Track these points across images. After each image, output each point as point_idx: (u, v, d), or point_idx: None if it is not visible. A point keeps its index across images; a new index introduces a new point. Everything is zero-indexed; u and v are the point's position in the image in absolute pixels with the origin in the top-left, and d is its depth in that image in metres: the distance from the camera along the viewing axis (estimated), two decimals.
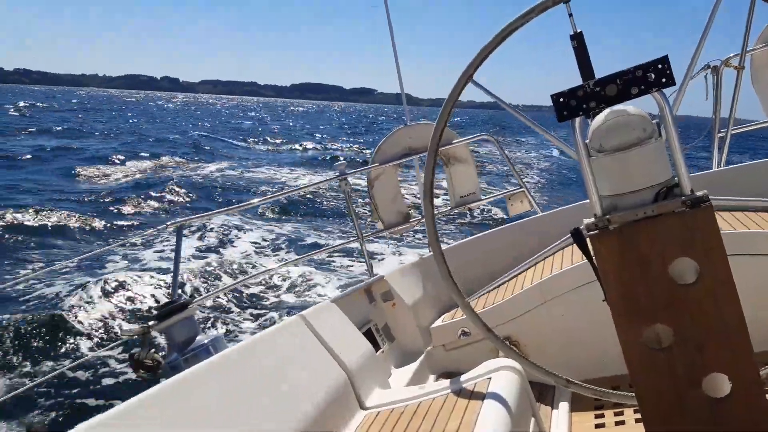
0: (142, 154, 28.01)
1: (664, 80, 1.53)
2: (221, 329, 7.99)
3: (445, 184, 4.10)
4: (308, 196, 18.11)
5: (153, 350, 2.63)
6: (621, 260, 1.57)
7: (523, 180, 4.05)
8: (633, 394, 1.72)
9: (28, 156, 26.18)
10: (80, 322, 8.60)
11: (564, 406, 2.59)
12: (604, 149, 1.63)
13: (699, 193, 1.54)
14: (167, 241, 12.19)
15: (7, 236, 13.16)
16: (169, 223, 3.32)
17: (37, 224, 14.45)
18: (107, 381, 6.74)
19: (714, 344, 1.55)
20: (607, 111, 1.63)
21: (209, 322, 8.23)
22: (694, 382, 1.58)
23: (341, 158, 4.06)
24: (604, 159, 1.63)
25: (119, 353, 7.06)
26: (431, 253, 3.62)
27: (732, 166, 3.60)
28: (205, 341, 2.60)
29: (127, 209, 17.40)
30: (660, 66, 1.53)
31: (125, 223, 15.81)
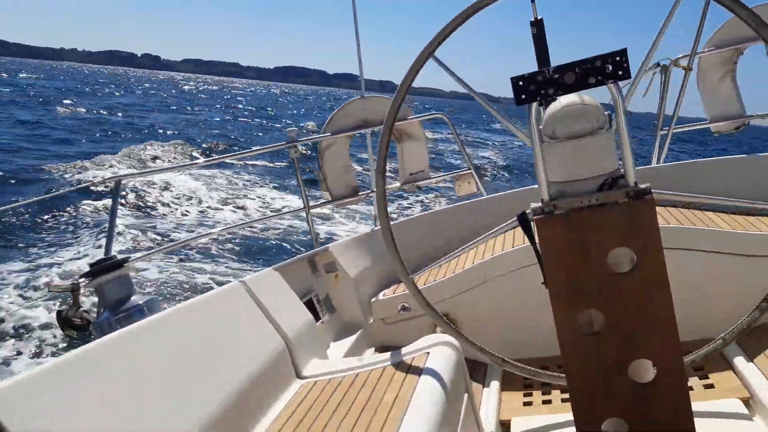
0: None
1: (620, 73, 1.55)
2: (157, 292, 7.80)
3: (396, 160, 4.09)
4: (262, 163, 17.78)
5: (82, 308, 2.53)
6: (563, 245, 1.61)
7: (473, 162, 4.09)
8: (563, 375, 1.78)
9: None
10: (6, 277, 8.23)
11: (495, 384, 2.67)
12: (556, 136, 1.65)
13: (642, 186, 1.58)
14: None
15: None
16: (106, 177, 3.17)
17: None
18: (32, 338, 6.49)
19: (643, 332, 1.61)
20: (562, 98, 1.64)
21: (146, 284, 8.03)
22: (621, 367, 1.64)
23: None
24: (556, 145, 1.65)
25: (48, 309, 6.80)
26: (377, 227, 3.63)
27: (670, 163, 3.74)
28: (140, 302, 2.51)
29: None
30: (618, 58, 1.55)
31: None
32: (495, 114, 2.83)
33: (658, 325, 1.59)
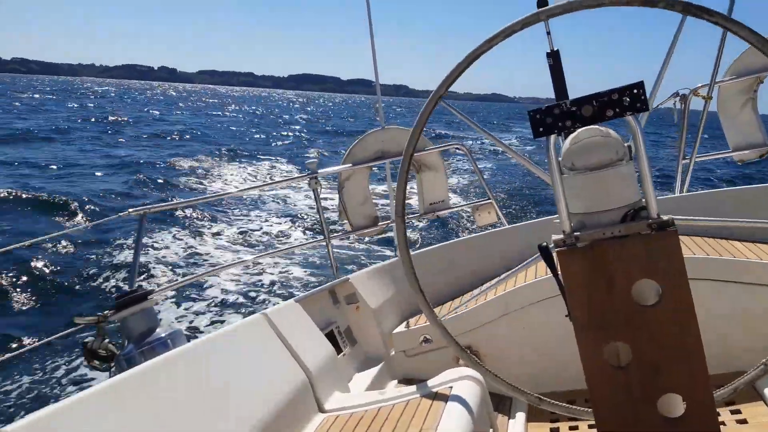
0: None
1: (638, 105, 1.56)
2: (181, 323, 7.85)
3: (415, 190, 4.11)
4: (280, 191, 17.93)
5: (107, 340, 2.55)
6: (587, 277, 1.60)
7: (492, 192, 4.09)
8: (590, 410, 1.74)
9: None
10: (33, 307, 8.35)
11: (520, 416, 2.62)
12: (576, 168, 1.65)
13: (665, 217, 1.57)
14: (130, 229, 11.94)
15: None
16: (131, 210, 3.23)
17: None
18: (59, 371, 6.55)
19: (671, 365, 1.58)
20: (581, 130, 1.65)
21: (169, 315, 8.09)
22: (649, 401, 1.61)
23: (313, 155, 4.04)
24: (576, 177, 1.65)
25: (74, 342, 6.86)
26: (397, 257, 3.63)
27: (694, 192, 3.71)
28: (163, 334, 2.53)
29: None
30: (635, 91, 1.56)
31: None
32: (510, 152, 2.83)
33: (687, 358, 1.56)
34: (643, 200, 1.63)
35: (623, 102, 1.56)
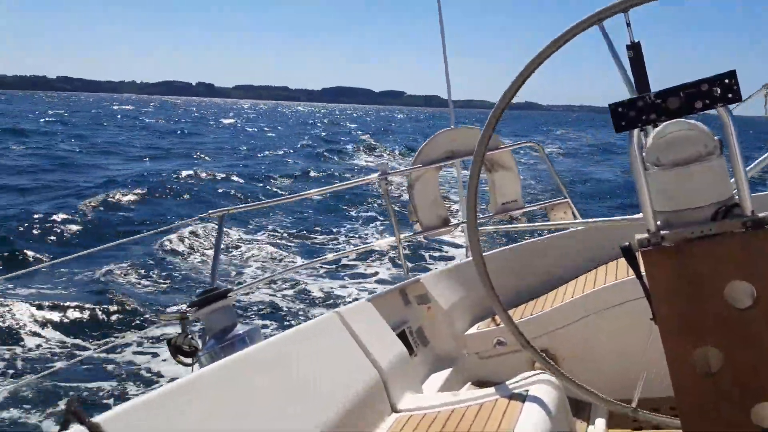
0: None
1: (730, 95, 1.47)
2: (258, 320, 8.11)
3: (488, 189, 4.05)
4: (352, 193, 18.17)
5: (190, 336, 2.67)
6: (674, 279, 1.52)
7: (567, 190, 3.96)
8: (677, 419, 1.66)
9: None
10: (121, 305, 8.86)
11: (600, 422, 2.52)
12: (661, 163, 1.58)
13: (761, 215, 1.47)
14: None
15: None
16: (211, 211, 3.36)
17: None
18: (145, 364, 6.91)
19: (766, 371, 1.48)
20: (667, 123, 1.57)
21: (248, 312, 8.37)
22: (742, 410, 1.51)
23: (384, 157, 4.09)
24: (661, 173, 1.57)
25: (159, 338, 7.24)
26: (469, 258, 3.59)
27: None
28: (242, 331, 2.61)
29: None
30: (727, 81, 1.46)
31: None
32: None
33: None
34: (737, 197, 1.54)
35: (713, 93, 1.47)
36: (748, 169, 1.64)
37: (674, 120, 1.56)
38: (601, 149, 40.17)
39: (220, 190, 19.74)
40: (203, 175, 21.62)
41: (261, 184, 21.67)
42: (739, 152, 1.54)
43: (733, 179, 1.59)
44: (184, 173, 21.18)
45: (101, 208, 15.50)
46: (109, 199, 16.30)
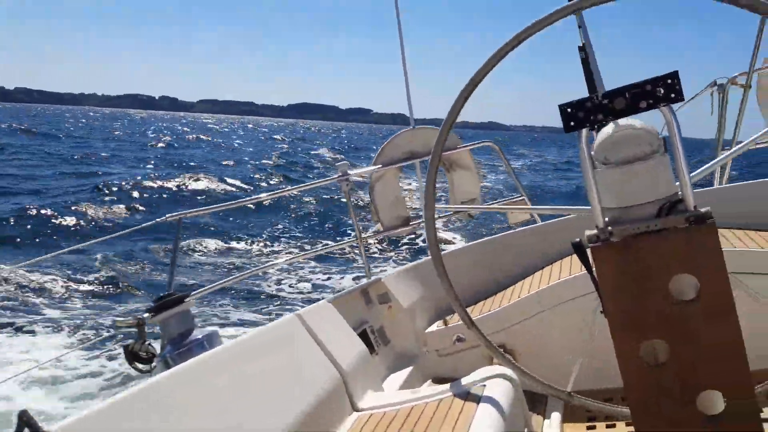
0: None
1: (673, 95, 1.52)
2: (216, 326, 7.98)
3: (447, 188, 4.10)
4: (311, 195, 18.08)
5: (148, 342, 2.62)
6: (621, 273, 1.57)
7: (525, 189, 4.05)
8: (626, 408, 1.72)
9: None
10: (74, 312, 8.60)
11: (556, 416, 2.59)
12: (609, 162, 1.63)
13: (703, 210, 1.53)
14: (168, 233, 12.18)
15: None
16: (168, 215, 3.30)
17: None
18: (100, 372, 6.72)
19: (710, 361, 1.54)
20: (614, 124, 1.62)
21: (205, 317, 8.23)
22: (688, 399, 1.57)
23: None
24: (609, 171, 1.62)
25: (113, 345, 7.05)
26: (429, 257, 3.62)
27: (733, 184, 3.60)
28: (200, 336, 2.58)
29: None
30: (669, 81, 1.52)
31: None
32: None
33: (726, 354, 1.52)
34: (680, 193, 1.60)
35: (657, 93, 1.53)
36: (693, 174, 1.70)
37: (621, 119, 1.61)
38: (564, 168, 40.75)
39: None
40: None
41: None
42: (681, 150, 1.60)
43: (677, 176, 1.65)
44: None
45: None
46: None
